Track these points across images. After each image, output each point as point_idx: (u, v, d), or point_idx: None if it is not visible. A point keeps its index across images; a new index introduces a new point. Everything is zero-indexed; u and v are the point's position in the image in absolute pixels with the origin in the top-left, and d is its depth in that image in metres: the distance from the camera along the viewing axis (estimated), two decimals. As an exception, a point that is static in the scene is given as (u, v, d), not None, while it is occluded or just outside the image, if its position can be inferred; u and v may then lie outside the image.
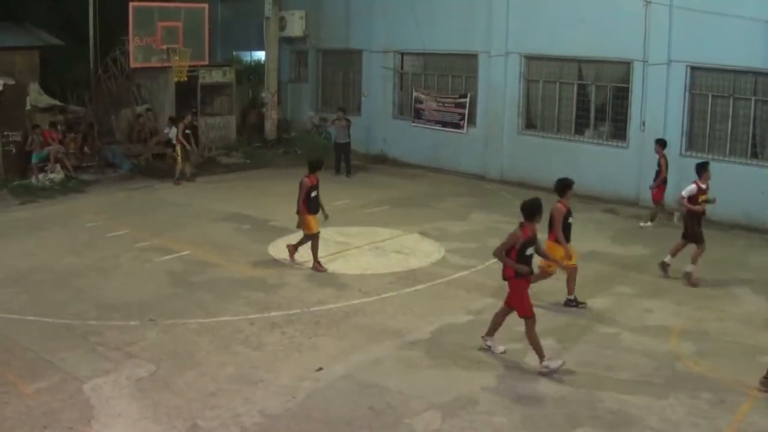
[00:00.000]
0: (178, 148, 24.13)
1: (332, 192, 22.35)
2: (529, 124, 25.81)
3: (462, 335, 12.47)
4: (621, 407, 10.10)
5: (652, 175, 20.27)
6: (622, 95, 23.36)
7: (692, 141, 21.90)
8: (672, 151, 21.16)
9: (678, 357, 11.89)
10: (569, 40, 23.74)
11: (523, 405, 10.17)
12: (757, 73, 20.54)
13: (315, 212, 15.80)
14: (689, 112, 21.86)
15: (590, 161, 23.11)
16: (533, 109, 25.79)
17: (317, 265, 15.71)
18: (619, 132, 23.49)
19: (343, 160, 26.00)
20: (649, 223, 19.97)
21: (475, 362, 11.44)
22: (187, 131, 24.61)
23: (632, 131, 22.96)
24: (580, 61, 24.25)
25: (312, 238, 15.75)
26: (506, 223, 19.39)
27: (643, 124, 22.44)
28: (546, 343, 11.67)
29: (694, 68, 21.51)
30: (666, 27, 21.71)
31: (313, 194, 15.71)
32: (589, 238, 18.24)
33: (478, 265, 16.17)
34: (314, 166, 15.91)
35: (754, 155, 21.02)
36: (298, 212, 15.80)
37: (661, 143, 19.83)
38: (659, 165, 19.79)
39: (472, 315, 13.36)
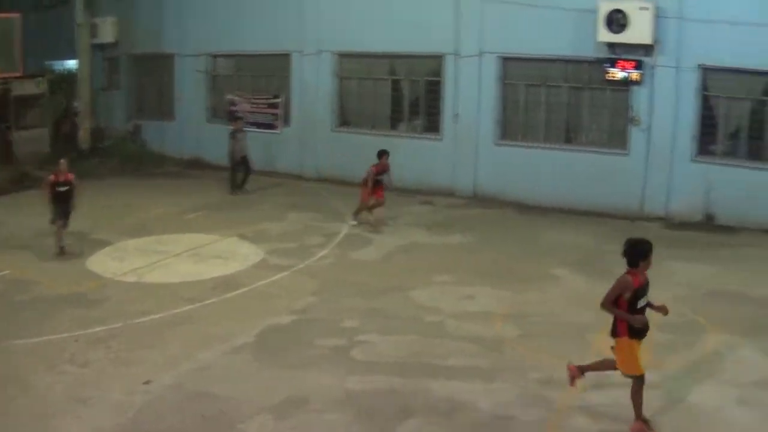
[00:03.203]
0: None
1: (148, 200, 21.56)
2: (344, 122, 25.62)
3: (287, 336, 12.11)
4: (452, 394, 9.93)
5: (467, 165, 20.47)
6: (434, 89, 23.54)
7: (506, 130, 22.33)
8: (486, 141, 21.57)
9: (504, 340, 11.87)
10: (381, 36, 23.72)
11: (354, 399, 9.83)
12: (568, 61, 21.26)
13: None
14: (502, 101, 22.23)
15: (406, 155, 23.03)
16: (347, 107, 25.62)
17: None
18: (433, 125, 23.66)
19: (243, 174, 23.96)
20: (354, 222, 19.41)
21: (302, 361, 11.06)
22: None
23: (446, 123, 23.19)
24: (392, 57, 24.25)
25: None
26: (323, 221, 19.32)
27: (457, 116, 22.60)
28: (369, 336, 11.57)
29: (506, 59, 21.96)
30: (477, 20, 22.08)
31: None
32: (408, 229, 18.75)
33: (297, 265, 15.86)
34: None
35: (569, 140, 21.57)
36: None
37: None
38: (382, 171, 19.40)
39: (295, 315, 13.01)
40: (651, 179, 20.59)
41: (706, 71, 20.01)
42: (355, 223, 19.06)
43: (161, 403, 9.88)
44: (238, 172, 23.52)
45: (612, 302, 9.00)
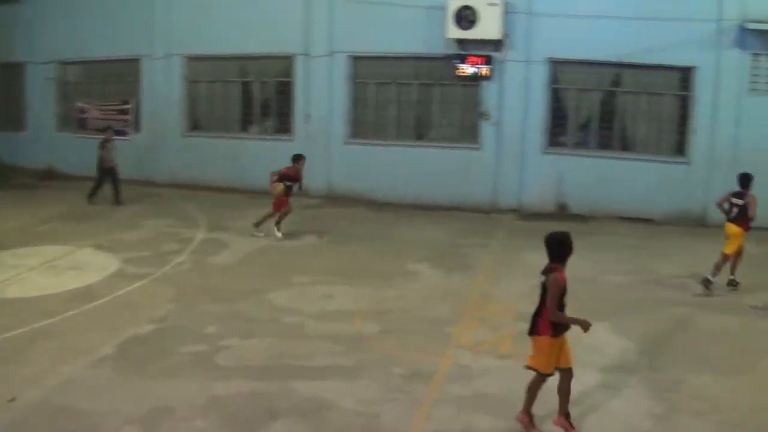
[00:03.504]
0: None
1: (1, 213, 20.52)
2: (195, 126, 25.03)
3: (149, 345, 11.54)
4: (316, 394, 9.63)
5: (320, 165, 20.31)
6: (285, 89, 23.37)
7: (358, 129, 22.35)
8: (338, 140, 21.53)
9: (365, 338, 11.66)
10: (231, 38, 23.40)
11: (220, 405, 9.42)
12: (418, 58, 21.39)
13: None
14: (353, 100, 22.19)
15: (257, 157, 22.70)
16: (198, 111, 25.08)
17: None
18: (285, 126, 23.45)
19: (112, 185, 22.54)
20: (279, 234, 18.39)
21: (166, 370, 10.55)
22: None
23: (297, 124, 23.00)
24: (242, 59, 23.95)
25: None
26: (179, 227, 18.74)
27: (308, 116, 22.41)
28: (231, 341, 11.27)
29: (356, 58, 21.94)
30: (327, 20, 22.06)
31: None
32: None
33: (155, 273, 15.25)
34: None
35: (420, 137, 21.61)
36: None
37: None
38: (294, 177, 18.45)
39: (156, 323, 12.44)
40: (503, 172, 20.88)
41: (555, 64, 20.44)
42: (261, 234, 18.08)
43: (27, 420, 9.25)
44: (105, 183, 22.55)
45: (558, 308, 8.59)
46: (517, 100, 20.62)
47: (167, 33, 24.52)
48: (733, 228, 14.33)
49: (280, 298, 13.58)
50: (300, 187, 18.23)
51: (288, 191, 18.01)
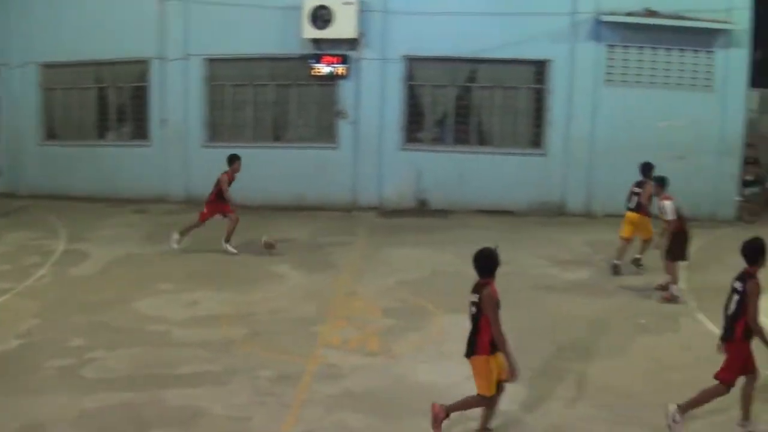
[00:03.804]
0: None
1: None
2: (51, 135, 24.29)
3: (15, 361, 11.17)
4: (186, 402, 9.55)
5: (178, 170, 19.99)
6: (140, 94, 23.00)
7: (215, 131, 22.26)
8: (195, 143, 21.35)
9: (232, 342, 11.60)
10: (86, 44, 22.80)
11: (91, 419, 9.22)
12: (274, 59, 21.45)
13: None
14: (209, 103, 22.05)
15: (116, 164, 22.25)
16: (54, 119, 24.33)
17: None
18: (141, 131, 23.07)
19: None
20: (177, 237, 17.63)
21: (34, 386, 10.24)
22: None
23: (154, 129, 22.63)
24: (98, 65, 23.38)
25: None
26: (39, 239, 18.19)
27: (164, 120, 22.07)
28: (97, 353, 10.97)
29: (212, 60, 21.76)
30: (181, 23, 21.80)
31: None
32: (123, 240, 18.08)
33: (16, 287, 14.70)
34: None
35: (278, 138, 21.70)
36: None
37: None
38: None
39: (20, 339, 12.03)
40: (362, 170, 21.05)
41: (411, 61, 20.74)
42: (176, 246, 17.06)
43: None
44: None
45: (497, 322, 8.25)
46: (374, 98, 20.82)
47: (23, 41, 23.65)
48: (630, 216, 15.30)
49: (144, 307, 13.36)
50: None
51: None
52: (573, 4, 20.47)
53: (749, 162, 21.40)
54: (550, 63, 20.86)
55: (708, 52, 20.82)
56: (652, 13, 20.54)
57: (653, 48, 20.84)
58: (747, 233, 15.17)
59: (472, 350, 8.38)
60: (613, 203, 20.18)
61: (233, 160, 16.89)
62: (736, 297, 8.62)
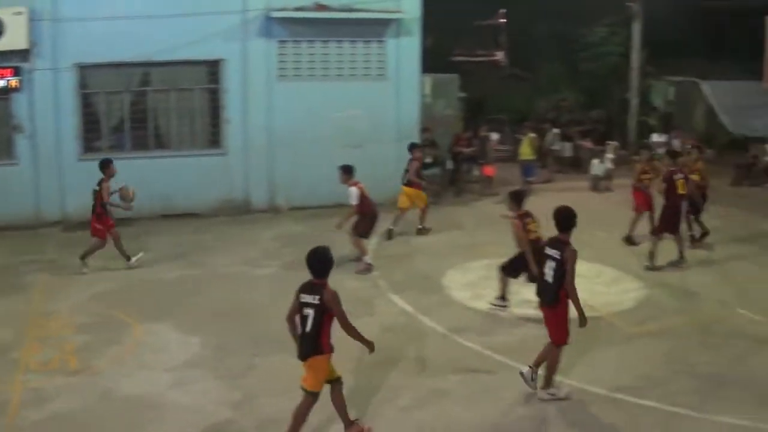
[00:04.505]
0: None
1: None
2: None
3: None
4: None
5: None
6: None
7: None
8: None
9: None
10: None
11: None
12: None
13: None
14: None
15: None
16: None
17: None
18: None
19: None
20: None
21: None
22: None
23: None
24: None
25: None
26: None
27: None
28: None
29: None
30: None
31: None
32: None
33: None
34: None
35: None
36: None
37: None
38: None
39: None
40: (42, 185, 20.32)
41: (84, 69, 20.38)
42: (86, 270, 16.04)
43: None
44: None
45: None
46: (49, 110, 20.16)
47: None
48: (405, 189, 18.84)
49: None
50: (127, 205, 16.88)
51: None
52: (243, 3, 20.86)
53: (426, 145, 22.65)
54: (224, 62, 21.21)
55: (380, 41, 22.13)
56: (322, 7, 21.46)
57: (324, 41, 21.77)
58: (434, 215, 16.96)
59: (312, 350, 8.52)
60: (297, 196, 21.22)
61: (107, 164, 16.49)
62: (552, 263, 9.58)
